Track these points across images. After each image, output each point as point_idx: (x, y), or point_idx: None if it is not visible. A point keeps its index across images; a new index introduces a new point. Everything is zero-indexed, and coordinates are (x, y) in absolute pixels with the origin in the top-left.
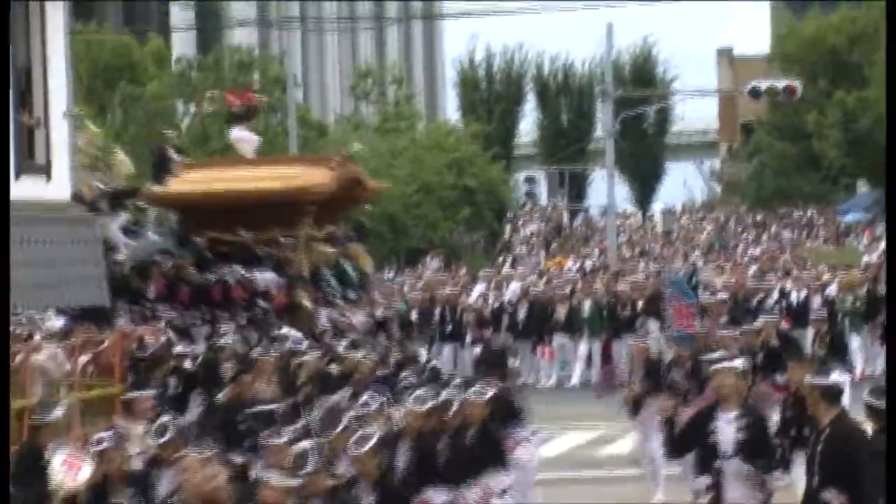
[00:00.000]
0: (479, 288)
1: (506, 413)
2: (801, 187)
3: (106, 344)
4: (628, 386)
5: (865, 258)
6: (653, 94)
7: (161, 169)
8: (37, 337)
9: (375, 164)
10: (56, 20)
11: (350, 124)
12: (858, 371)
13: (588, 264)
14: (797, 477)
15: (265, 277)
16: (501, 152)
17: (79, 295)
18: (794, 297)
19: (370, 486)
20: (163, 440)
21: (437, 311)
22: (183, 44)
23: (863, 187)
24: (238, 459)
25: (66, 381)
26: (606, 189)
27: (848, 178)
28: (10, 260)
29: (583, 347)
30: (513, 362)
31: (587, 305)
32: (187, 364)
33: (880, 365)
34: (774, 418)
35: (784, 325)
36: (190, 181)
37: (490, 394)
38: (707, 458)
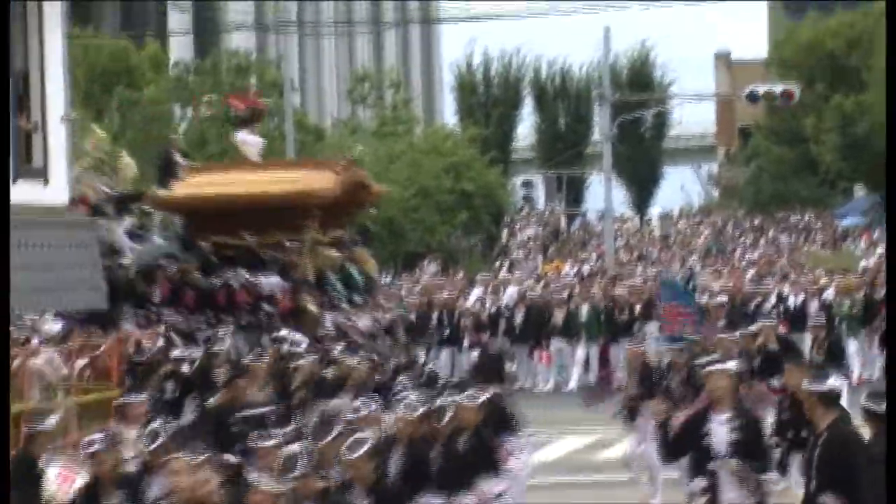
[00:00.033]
0: (476, 292)
1: (498, 420)
2: (798, 191)
3: (103, 348)
4: (624, 390)
5: (863, 262)
6: (650, 98)
7: (166, 173)
8: (34, 341)
9: (373, 169)
10: (53, 24)
11: (347, 128)
12: (856, 375)
13: (586, 268)
14: (796, 480)
15: (270, 281)
16: (499, 156)
17: (76, 298)
18: (791, 302)
19: (364, 490)
20: (154, 445)
21: (435, 316)
22: (180, 48)
23: (860, 191)
24: (230, 462)
25: (63, 384)
26: (604, 193)
27: (845, 182)
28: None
29: (580, 352)
30: (510, 366)
31: (585, 310)
32: (185, 368)
33: (878, 369)
34: (769, 420)
35: (781, 329)
36: (195, 185)
37: (483, 398)
38: (701, 461)
